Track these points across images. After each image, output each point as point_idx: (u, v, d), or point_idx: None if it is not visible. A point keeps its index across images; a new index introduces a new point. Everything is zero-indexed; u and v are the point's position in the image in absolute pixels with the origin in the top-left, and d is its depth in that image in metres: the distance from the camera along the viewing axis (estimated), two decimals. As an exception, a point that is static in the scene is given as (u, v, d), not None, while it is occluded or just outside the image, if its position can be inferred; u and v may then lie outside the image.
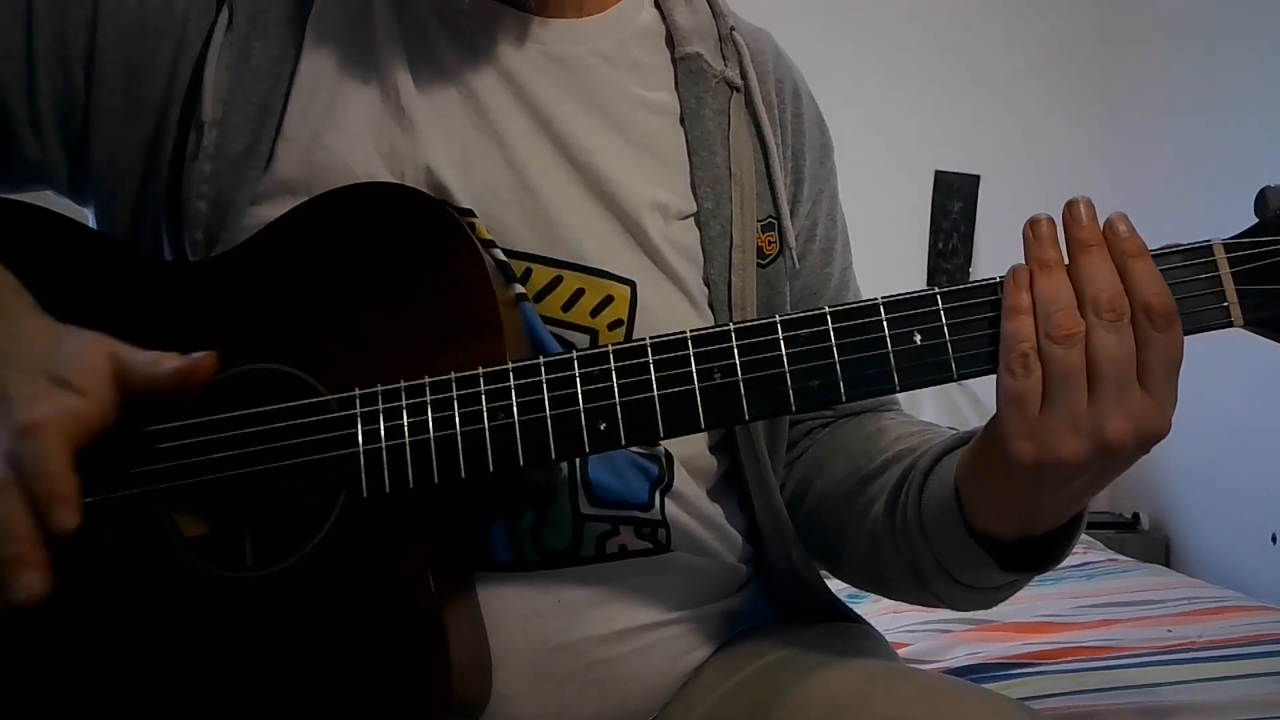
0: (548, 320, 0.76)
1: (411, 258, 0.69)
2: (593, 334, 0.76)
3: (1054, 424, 0.62)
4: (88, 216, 0.82)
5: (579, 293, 0.76)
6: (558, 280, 0.76)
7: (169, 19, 0.78)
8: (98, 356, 0.64)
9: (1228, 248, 0.65)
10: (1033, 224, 0.65)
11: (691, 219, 0.82)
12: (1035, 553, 0.72)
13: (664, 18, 0.87)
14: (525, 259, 0.76)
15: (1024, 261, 0.65)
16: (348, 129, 0.76)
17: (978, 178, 3.45)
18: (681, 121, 0.84)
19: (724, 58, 0.87)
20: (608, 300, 0.77)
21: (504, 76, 0.80)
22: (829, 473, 0.88)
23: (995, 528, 0.71)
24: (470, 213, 0.75)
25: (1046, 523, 0.69)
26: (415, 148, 0.76)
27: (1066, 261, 0.64)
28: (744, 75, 0.86)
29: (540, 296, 0.76)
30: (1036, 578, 0.76)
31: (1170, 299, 0.63)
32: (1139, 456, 0.64)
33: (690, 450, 0.80)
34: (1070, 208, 0.65)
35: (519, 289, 0.75)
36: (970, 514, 0.71)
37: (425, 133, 0.77)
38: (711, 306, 0.81)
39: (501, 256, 0.75)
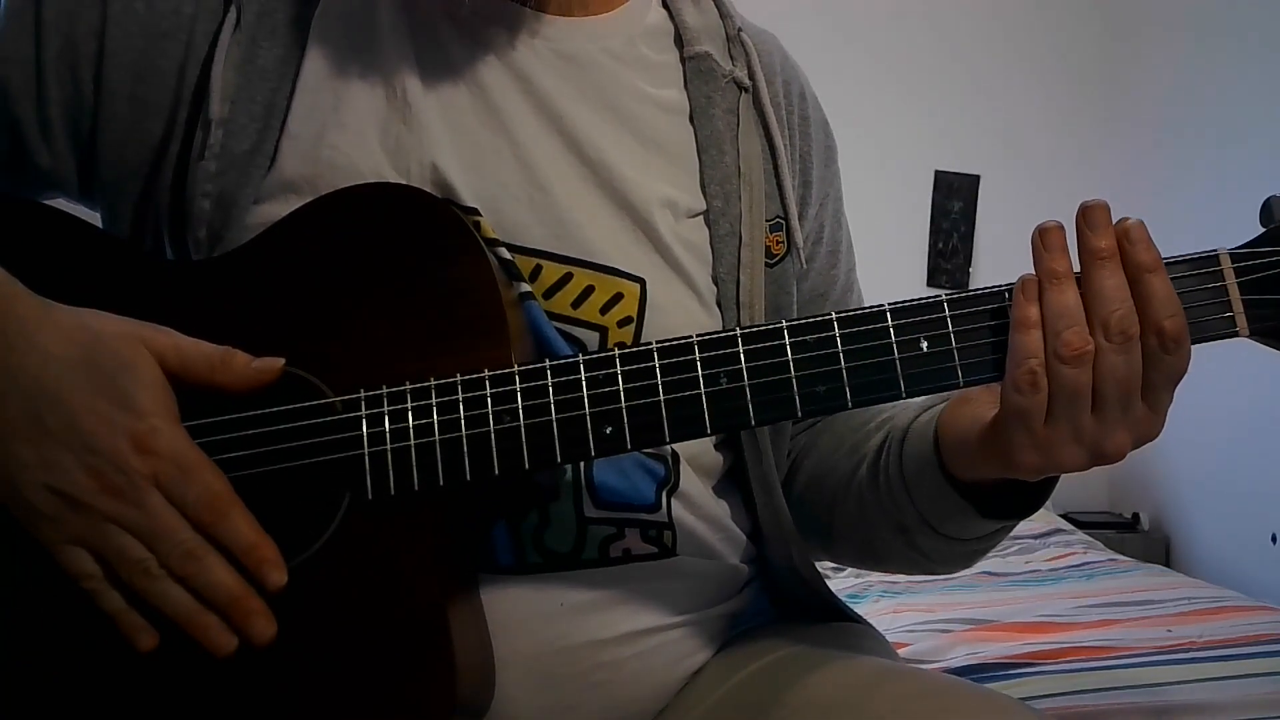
0: (557, 317, 0.75)
1: (416, 258, 0.69)
2: (602, 331, 0.76)
3: (1058, 437, 0.64)
4: (98, 220, 0.81)
5: (589, 290, 0.76)
6: (568, 277, 0.76)
7: (176, 23, 0.77)
8: (154, 377, 0.65)
9: (1233, 257, 0.64)
10: (1042, 233, 0.64)
11: (701, 217, 0.82)
12: (1014, 498, 0.73)
13: (672, 17, 0.87)
14: (535, 255, 0.76)
15: (1031, 267, 0.64)
16: (352, 127, 0.76)
17: (978, 178, 3.45)
18: (691, 120, 0.84)
19: (732, 58, 0.86)
20: (617, 297, 0.77)
21: (514, 73, 0.80)
22: (817, 451, 0.90)
23: (975, 476, 0.73)
24: (475, 211, 0.75)
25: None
26: (421, 144, 0.76)
27: (1076, 268, 0.64)
28: (752, 76, 0.86)
29: (550, 293, 0.76)
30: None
31: (1183, 322, 0.62)
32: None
33: (696, 447, 0.80)
34: (1085, 213, 0.63)
35: (524, 288, 0.75)
36: (950, 466, 0.73)
37: (432, 129, 0.77)
38: (720, 305, 0.81)
39: (506, 255, 0.75)
